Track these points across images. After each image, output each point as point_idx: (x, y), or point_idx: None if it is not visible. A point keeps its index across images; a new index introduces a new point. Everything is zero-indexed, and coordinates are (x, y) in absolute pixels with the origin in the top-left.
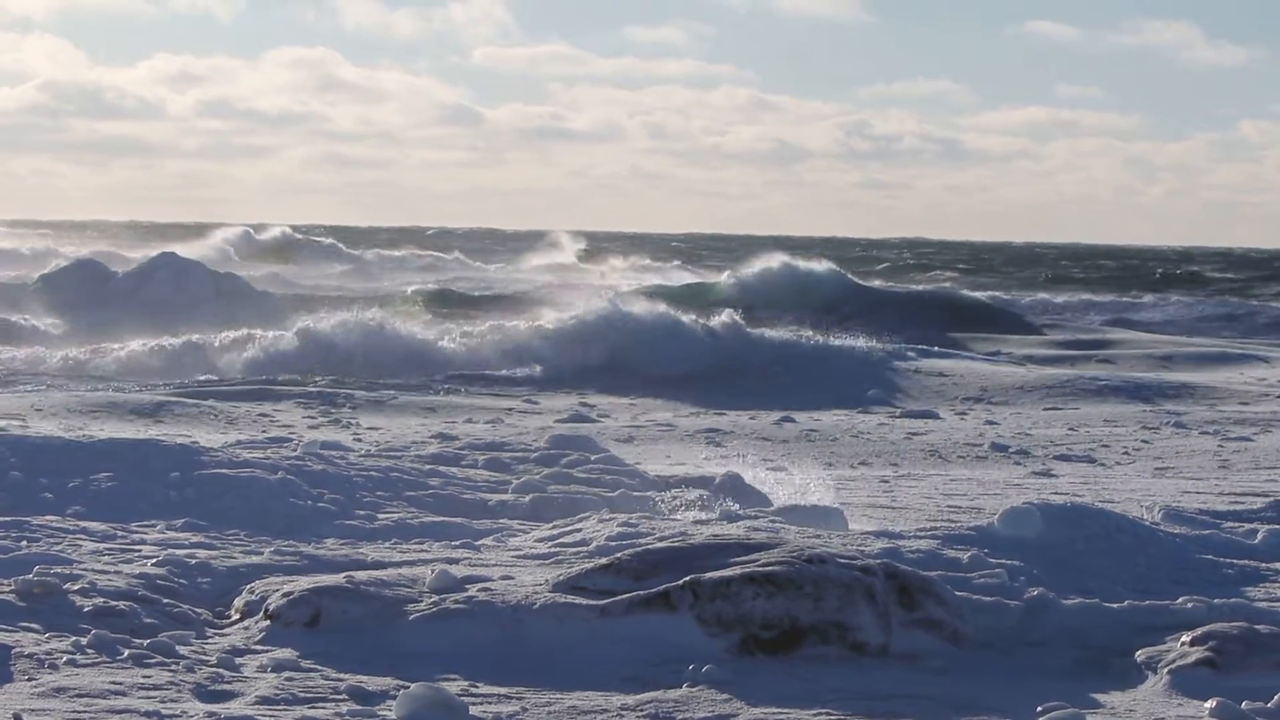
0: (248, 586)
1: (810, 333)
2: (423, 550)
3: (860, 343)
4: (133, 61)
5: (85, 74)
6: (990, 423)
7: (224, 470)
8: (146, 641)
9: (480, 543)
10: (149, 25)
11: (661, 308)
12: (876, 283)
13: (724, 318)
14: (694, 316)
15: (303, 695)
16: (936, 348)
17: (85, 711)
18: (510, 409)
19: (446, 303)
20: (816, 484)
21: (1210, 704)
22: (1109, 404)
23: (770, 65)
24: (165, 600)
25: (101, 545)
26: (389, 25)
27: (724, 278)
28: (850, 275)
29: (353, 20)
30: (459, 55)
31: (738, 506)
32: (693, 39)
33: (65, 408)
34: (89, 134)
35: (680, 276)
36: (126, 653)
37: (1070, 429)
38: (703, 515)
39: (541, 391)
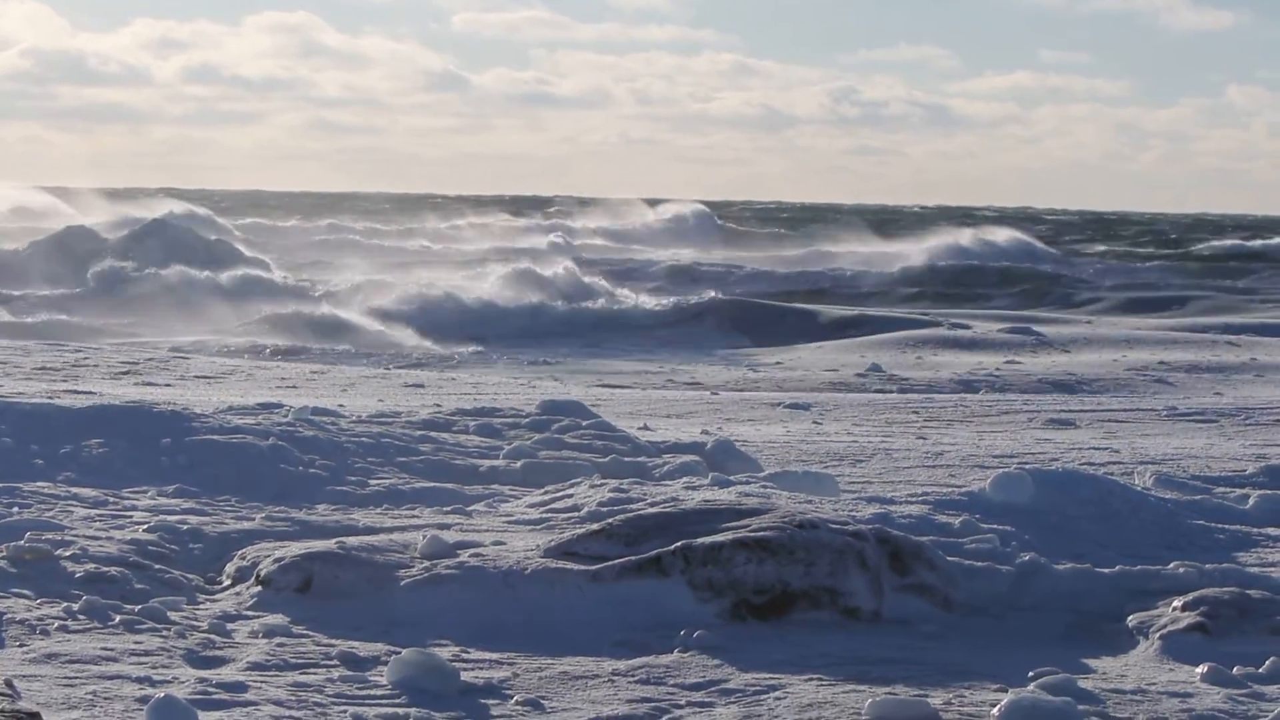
0: (239, 552)
1: None
2: (414, 516)
3: None
4: (114, 28)
5: (68, 40)
6: None
7: (215, 436)
8: (138, 607)
9: (472, 508)
10: None
11: None
12: None
13: None
14: None
15: (294, 661)
16: None
17: (77, 677)
18: None
19: None
20: None
21: (1202, 669)
22: None
23: (753, 30)
24: (157, 566)
25: (93, 511)
26: None
27: None
28: None
29: None
30: (438, 21)
31: (729, 472)
32: (675, 4)
33: None
34: (76, 100)
35: None
36: (118, 618)
37: None
38: (694, 480)
39: None
